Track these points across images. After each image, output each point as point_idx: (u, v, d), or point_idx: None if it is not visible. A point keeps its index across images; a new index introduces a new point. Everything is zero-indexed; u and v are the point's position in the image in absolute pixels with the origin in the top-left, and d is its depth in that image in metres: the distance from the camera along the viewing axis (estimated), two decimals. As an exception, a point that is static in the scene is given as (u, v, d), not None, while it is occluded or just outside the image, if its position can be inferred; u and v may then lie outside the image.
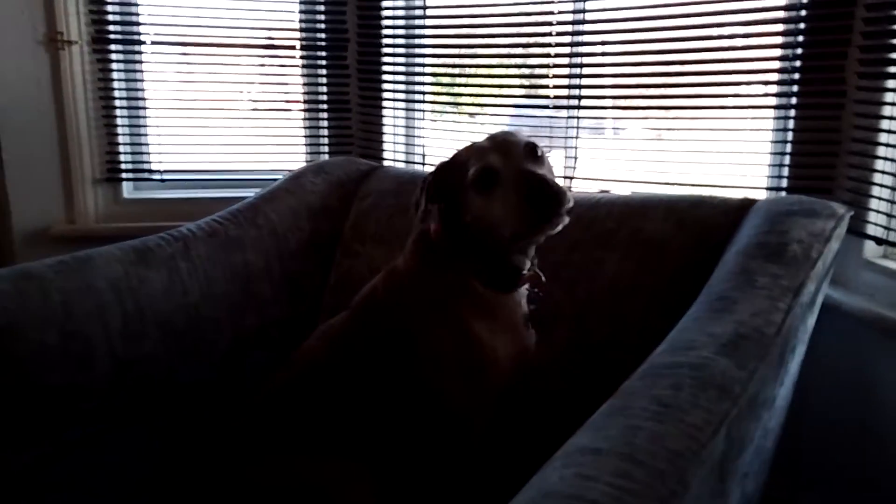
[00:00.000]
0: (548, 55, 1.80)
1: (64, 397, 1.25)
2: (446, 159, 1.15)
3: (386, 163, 2.05)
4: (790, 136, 1.50)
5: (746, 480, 0.92)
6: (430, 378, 1.09)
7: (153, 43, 1.96)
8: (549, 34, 1.79)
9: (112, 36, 1.92)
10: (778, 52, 1.51)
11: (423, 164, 2.04)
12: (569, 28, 1.76)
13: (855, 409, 1.37)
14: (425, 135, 2.06)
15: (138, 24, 1.95)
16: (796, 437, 1.38)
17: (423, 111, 2.03)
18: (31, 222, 1.90)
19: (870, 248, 1.37)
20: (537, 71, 1.87)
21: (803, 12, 1.44)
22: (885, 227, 1.33)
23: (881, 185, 1.34)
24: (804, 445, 1.44)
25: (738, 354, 0.86)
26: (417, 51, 2.02)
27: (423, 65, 2.04)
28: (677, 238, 1.30)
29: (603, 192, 1.69)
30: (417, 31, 2.02)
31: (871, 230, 1.35)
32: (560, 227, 1.03)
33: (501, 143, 1.08)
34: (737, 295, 0.99)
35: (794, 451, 1.42)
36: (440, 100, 2.01)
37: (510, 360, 1.11)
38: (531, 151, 1.08)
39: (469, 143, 1.14)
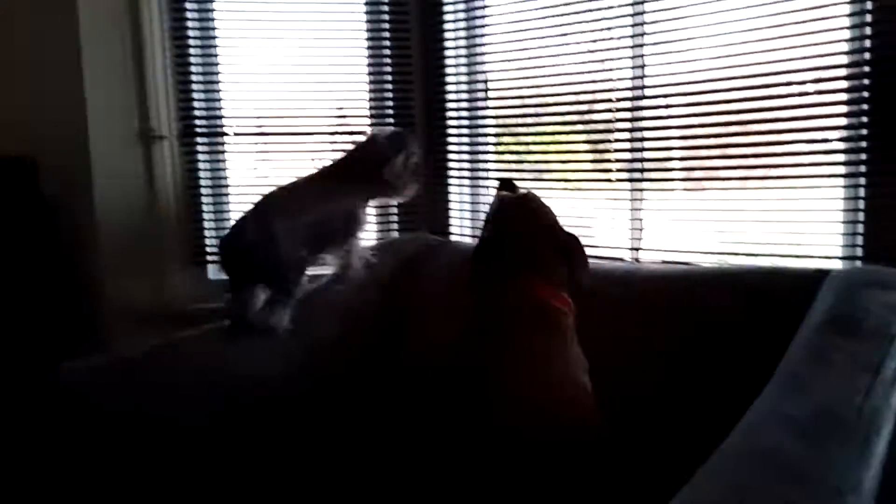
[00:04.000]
0: (610, 128, 1.84)
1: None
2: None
3: (453, 237, 2.11)
4: (861, 203, 1.48)
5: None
6: None
7: (235, 134, 2.10)
8: (611, 105, 1.83)
9: (198, 129, 2.07)
10: (844, 117, 1.51)
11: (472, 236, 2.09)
12: (628, 97, 1.79)
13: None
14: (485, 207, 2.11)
15: (221, 117, 2.09)
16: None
17: (488, 186, 2.08)
18: (123, 304, 2.02)
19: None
20: (601, 143, 1.91)
21: (866, 79, 1.44)
22: (968, 297, 1.29)
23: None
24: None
25: (817, 440, 0.85)
26: (480, 123, 2.10)
27: (487, 136, 2.11)
28: (746, 311, 1.29)
29: (666, 262, 1.69)
30: (480, 104, 2.10)
31: (953, 299, 1.31)
32: None
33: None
34: (811, 374, 0.98)
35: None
36: (502, 174, 2.06)
37: None
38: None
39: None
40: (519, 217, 1.30)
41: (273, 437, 1.47)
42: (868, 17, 1.44)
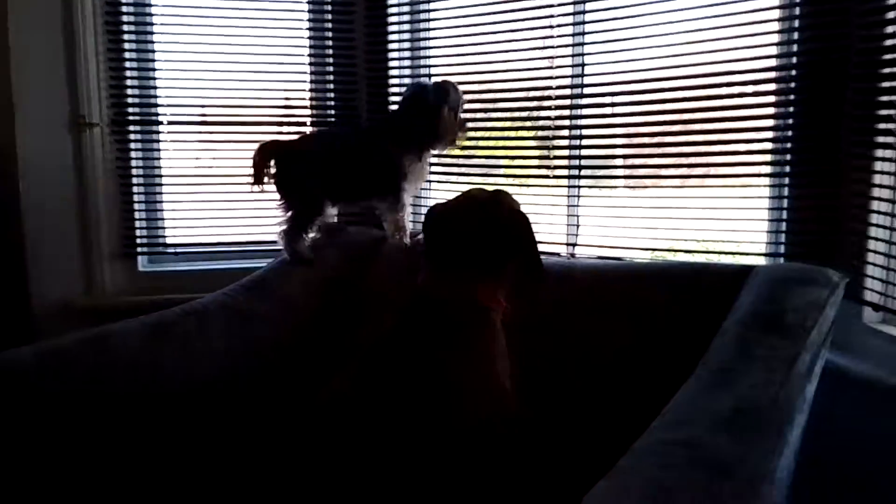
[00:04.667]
0: (549, 127, 1.86)
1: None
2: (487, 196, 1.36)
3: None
4: (786, 202, 1.53)
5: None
6: None
7: (170, 123, 2.05)
8: (551, 107, 1.85)
9: (131, 118, 2.01)
10: (772, 119, 1.56)
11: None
12: (568, 95, 1.82)
13: (862, 474, 1.35)
14: (432, 202, 2.11)
15: (156, 105, 2.04)
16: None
17: (430, 180, 2.08)
18: (50, 297, 1.95)
19: (869, 314, 1.38)
20: (543, 140, 1.92)
21: (793, 83, 1.50)
22: (882, 294, 1.35)
23: (876, 252, 1.36)
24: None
25: (735, 430, 0.87)
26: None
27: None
28: (676, 306, 1.33)
29: (602, 258, 1.73)
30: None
31: (868, 296, 1.37)
32: None
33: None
34: (733, 366, 1.01)
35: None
36: (448, 168, 2.06)
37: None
38: None
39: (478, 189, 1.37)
40: (475, 215, 1.32)
41: (206, 432, 1.44)
42: (796, 23, 1.50)
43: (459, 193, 1.41)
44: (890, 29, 1.32)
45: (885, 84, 1.33)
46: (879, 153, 1.35)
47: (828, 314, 1.15)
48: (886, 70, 1.33)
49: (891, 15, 1.31)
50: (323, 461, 1.15)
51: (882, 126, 1.34)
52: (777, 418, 0.94)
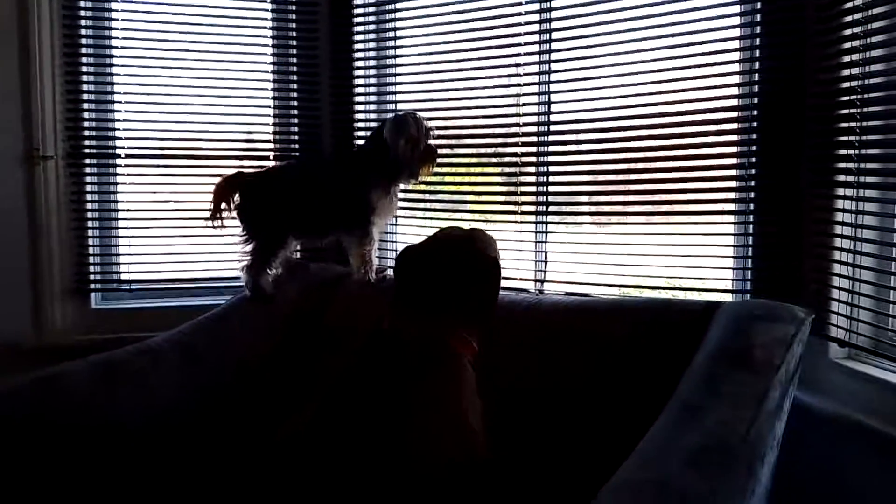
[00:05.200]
0: (516, 163, 1.86)
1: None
2: (459, 237, 1.36)
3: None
4: (751, 239, 1.54)
5: None
6: None
7: (127, 156, 2.00)
8: (517, 143, 1.85)
9: (87, 150, 1.96)
10: (735, 157, 1.57)
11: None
12: (535, 132, 1.83)
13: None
14: (397, 237, 2.08)
15: (114, 137, 1.99)
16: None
17: (397, 215, 2.06)
18: (1, 336, 1.86)
19: (835, 350, 1.38)
20: (511, 177, 1.92)
21: (755, 122, 1.52)
22: (847, 330, 1.35)
23: (839, 289, 1.37)
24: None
25: (703, 467, 0.85)
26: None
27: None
28: (642, 341, 1.32)
29: (571, 294, 1.71)
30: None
31: (833, 332, 1.37)
32: None
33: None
34: (702, 405, 1.00)
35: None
36: (414, 204, 2.05)
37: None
38: None
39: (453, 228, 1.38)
40: (449, 259, 1.30)
41: (161, 472, 1.38)
42: (756, 65, 1.52)
43: (434, 233, 1.38)
44: (845, 72, 1.35)
45: (843, 124, 1.35)
46: (840, 191, 1.37)
47: (795, 350, 1.14)
48: (843, 111, 1.35)
49: (845, 59, 1.34)
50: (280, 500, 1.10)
51: (841, 165, 1.36)
52: (747, 455, 0.93)
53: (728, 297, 1.56)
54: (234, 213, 1.65)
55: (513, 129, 1.87)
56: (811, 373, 1.36)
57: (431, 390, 1.17)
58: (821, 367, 1.38)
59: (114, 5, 1.97)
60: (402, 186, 1.77)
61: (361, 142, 1.98)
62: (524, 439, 1.32)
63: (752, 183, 1.53)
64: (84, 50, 1.94)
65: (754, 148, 1.53)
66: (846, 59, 1.34)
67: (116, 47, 1.98)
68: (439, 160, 1.77)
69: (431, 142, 1.72)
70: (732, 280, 1.59)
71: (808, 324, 1.21)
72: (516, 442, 1.31)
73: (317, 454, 1.12)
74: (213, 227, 1.65)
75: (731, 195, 1.57)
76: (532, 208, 1.84)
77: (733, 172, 1.57)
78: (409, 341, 1.23)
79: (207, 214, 1.65)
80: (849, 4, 1.33)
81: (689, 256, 1.62)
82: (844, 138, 1.35)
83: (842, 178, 1.36)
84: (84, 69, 1.95)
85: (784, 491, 1.27)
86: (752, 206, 1.54)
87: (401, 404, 1.14)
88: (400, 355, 1.21)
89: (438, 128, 1.92)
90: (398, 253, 1.38)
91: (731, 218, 1.59)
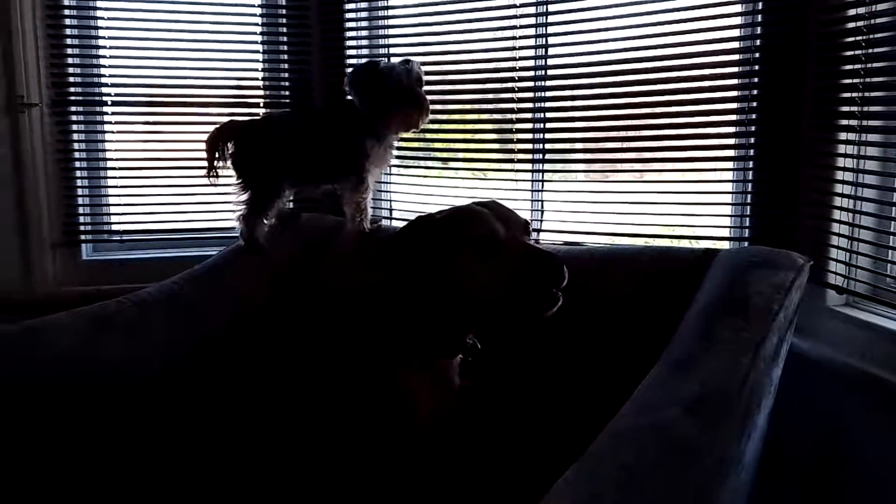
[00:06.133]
0: (512, 110, 1.82)
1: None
2: (429, 218, 1.11)
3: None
4: (750, 186, 1.52)
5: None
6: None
7: (114, 104, 1.95)
8: (513, 89, 1.81)
9: (73, 98, 1.91)
10: (735, 102, 1.54)
11: (391, 218, 2.04)
12: (531, 77, 1.79)
13: (828, 456, 1.36)
14: (392, 189, 2.06)
15: (100, 85, 1.94)
16: (773, 488, 1.37)
17: (390, 166, 2.02)
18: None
19: (833, 297, 1.38)
20: (505, 124, 1.89)
21: (756, 65, 1.48)
22: (845, 276, 1.35)
23: (838, 235, 1.36)
24: (781, 496, 1.42)
25: (703, 413, 0.85)
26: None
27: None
28: (641, 290, 1.31)
29: (569, 244, 1.70)
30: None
31: (831, 278, 1.36)
32: (556, 309, 1.02)
33: (503, 214, 1.08)
34: (699, 352, 0.99)
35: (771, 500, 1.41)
36: (407, 154, 2.01)
37: (433, 412, 1.10)
38: (526, 227, 1.08)
39: (456, 207, 1.13)
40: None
41: (148, 425, 1.37)
42: (760, 5, 1.48)
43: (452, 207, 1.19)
44: (851, 11, 1.31)
45: (846, 66, 1.32)
46: (842, 136, 1.35)
47: (793, 297, 1.13)
48: (847, 53, 1.32)
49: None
50: (262, 452, 1.11)
51: (844, 109, 1.34)
52: (744, 401, 0.92)
53: (726, 245, 1.55)
54: (229, 163, 1.62)
55: (509, 74, 1.82)
56: (808, 320, 1.36)
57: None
58: (818, 314, 1.38)
59: (96, -53, 1.90)
60: (396, 136, 1.73)
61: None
62: (523, 388, 1.32)
63: (752, 128, 1.50)
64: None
65: (755, 92, 1.50)
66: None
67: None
68: (434, 108, 1.72)
69: (425, 92, 1.66)
70: (730, 227, 1.58)
71: (807, 270, 1.20)
72: (516, 391, 1.31)
73: (300, 400, 1.12)
74: (210, 179, 1.62)
75: (731, 140, 1.55)
76: (528, 156, 1.81)
77: (733, 118, 1.54)
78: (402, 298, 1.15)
79: (203, 169, 1.61)
80: (857, -58, 1.28)
81: (687, 204, 1.60)
82: (848, 81, 1.32)
83: (844, 122, 1.34)
84: (67, 13, 1.88)
85: (781, 435, 1.29)
86: (751, 153, 1.52)
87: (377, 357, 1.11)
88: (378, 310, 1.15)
89: (433, 73, 1.87)
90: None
91: (730, 164, 1.57)
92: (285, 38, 2.02)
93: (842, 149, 1.35)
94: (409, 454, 1.08)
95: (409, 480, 1.08)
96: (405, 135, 1.80)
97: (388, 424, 1.07)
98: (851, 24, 1.31)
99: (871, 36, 1.27)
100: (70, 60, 1.90)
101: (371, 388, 1.09)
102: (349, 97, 1.67)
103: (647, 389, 0.93)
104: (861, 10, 1.28)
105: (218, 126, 1.63)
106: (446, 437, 1.13)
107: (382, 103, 1.61)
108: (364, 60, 1.98)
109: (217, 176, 1.63)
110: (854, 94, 1.31)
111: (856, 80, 1.30)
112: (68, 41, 1.89)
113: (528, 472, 1.18)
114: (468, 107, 1.95)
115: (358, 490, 1.07)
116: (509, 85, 1.82)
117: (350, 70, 1.68)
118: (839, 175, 1.36)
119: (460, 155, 1.98)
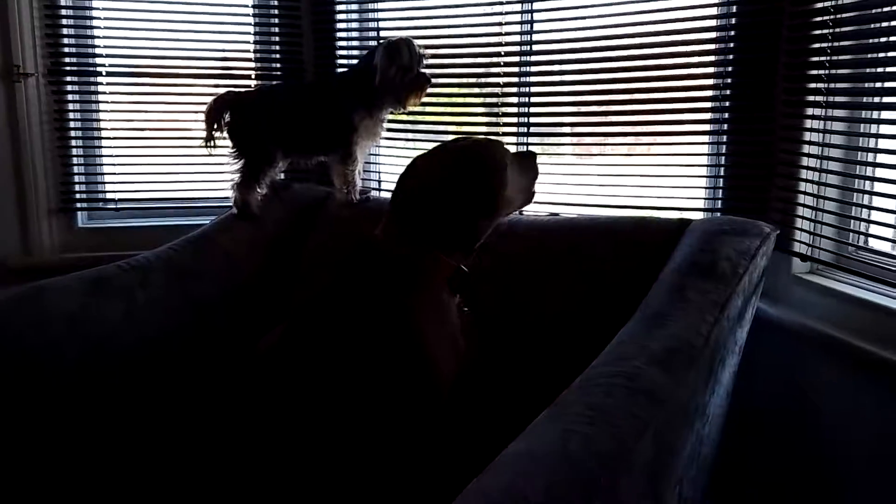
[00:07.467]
0: (498, 84, 1.88)
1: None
2: (467, 143, 1.26)
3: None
4: (723, 159, 1.59)
5: (683, 485, 0.97)
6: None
7: (108, 74, 1.98)
8: (499, 64, 1.86)
9: (68, 68, 1.94)
10: (711, 77, 1.60)
11: (380, 189, 2.09)
12: (517, 52, 1.84)
13: (792, 416, 1.44)
14: (381, 161, 2.11)
15: (95, 55, 1.97)
16: (739, 445, 1.46)
17: (380, 142, 2.07)
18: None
19: (798, 265, 1.45)
20: (491, 98, 1.94)
21: (731, 42, 1.54)
22: (809, 245, 1.42)
23: (804, 206, 1.43)
24: (747, 452, 1.51)
25: (668, 364, 0.92)
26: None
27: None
28: (619, 257, 1.37)
29: (552, 215, 1.76)
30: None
31: (797, 247, 1.44)
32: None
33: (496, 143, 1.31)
34: (669, 310, 1.06)
35: (738, 458, 1.49)
36: (396, 127, 2.06)
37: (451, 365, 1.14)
38: None
39: (461, 140, 1.28)
40: (441, 167, 1.20)
41: (147, 387, 1.43)
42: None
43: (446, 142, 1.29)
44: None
45: (815, 45, 1.39)
46: (809, 111, 1.42)
47: (758, 262, 1.21)
48: (816, 32, 1.38)
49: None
50: (256, 415, 1.12)
51: (812, 86, 1.40)
52: (709, 356, 1.00)
53: (701, 216, 1.62)
54: (225, 132, 1.67)
55: (495, 49, 1.87)
56: (775, 286, 1.44)
57: (430, 303, 1.15)
58: (785, 281, 1.45)
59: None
60: (387, 111, 1.77)
61: (354, 62, 1.95)
62: (505, 350, 1.38)
63: (727, 104, 1.57)
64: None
65: (730, 69, 1.56)
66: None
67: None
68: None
69: (424, 70, 1.70)
70: (705, 199, 1.65)
71: (773, 238, 1.28)
72: (498, 352, 1.37)
73: (297, 365, 1.12)
74: (209, 149, 1.68)
75: (706, 115, 1.61)
76: (513, 129, 1.86)
77: (709, 93, 1.60)
78: (386, 253, 1.16)
79: (198, 139, 1.67)
80: (829, -76, 1.34)
81: (665, 177, 1.67)
82: (816, 58, 1.38)
83: (812, 98, 1.41)
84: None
85: (749, 394, 1.37)
86: (725, 127, 1.58)
87: (376, 317, 1.11)
88: (376, 267, 1.16)
89: (423, 46, 1.91)
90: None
91: (705, 139, 1.64)
92: (276, 11, 2.06)
93: (809, 123, 1.42)
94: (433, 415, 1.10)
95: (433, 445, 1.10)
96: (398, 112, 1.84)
97: (412, 382, 1.09)
98: (820, 4, 1.37)
99: (839, 15, 1.34)
100: (65, 31, 1.93)
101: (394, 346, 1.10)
102: (341, 69, 1.71)
103: (619, 344, 1.00)
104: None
105: (216, 96, 1.68)
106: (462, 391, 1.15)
107: (404, 79, 1.66)
108: (357, 35, 2.04)
109: (215, 146, 1.68)
110: (821, 72, 1.37)
111: (823, 59, 1.36)
112: (63, 11, 1.92)
113: (505, 420, 1.25)
114: (456, 81, 2.00)
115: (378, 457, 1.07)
116: (495, 60, 1.88)
117: (385, 42, 1.68)
118: (805, 149, 1.43)
119: (449, 129, 2.03)
